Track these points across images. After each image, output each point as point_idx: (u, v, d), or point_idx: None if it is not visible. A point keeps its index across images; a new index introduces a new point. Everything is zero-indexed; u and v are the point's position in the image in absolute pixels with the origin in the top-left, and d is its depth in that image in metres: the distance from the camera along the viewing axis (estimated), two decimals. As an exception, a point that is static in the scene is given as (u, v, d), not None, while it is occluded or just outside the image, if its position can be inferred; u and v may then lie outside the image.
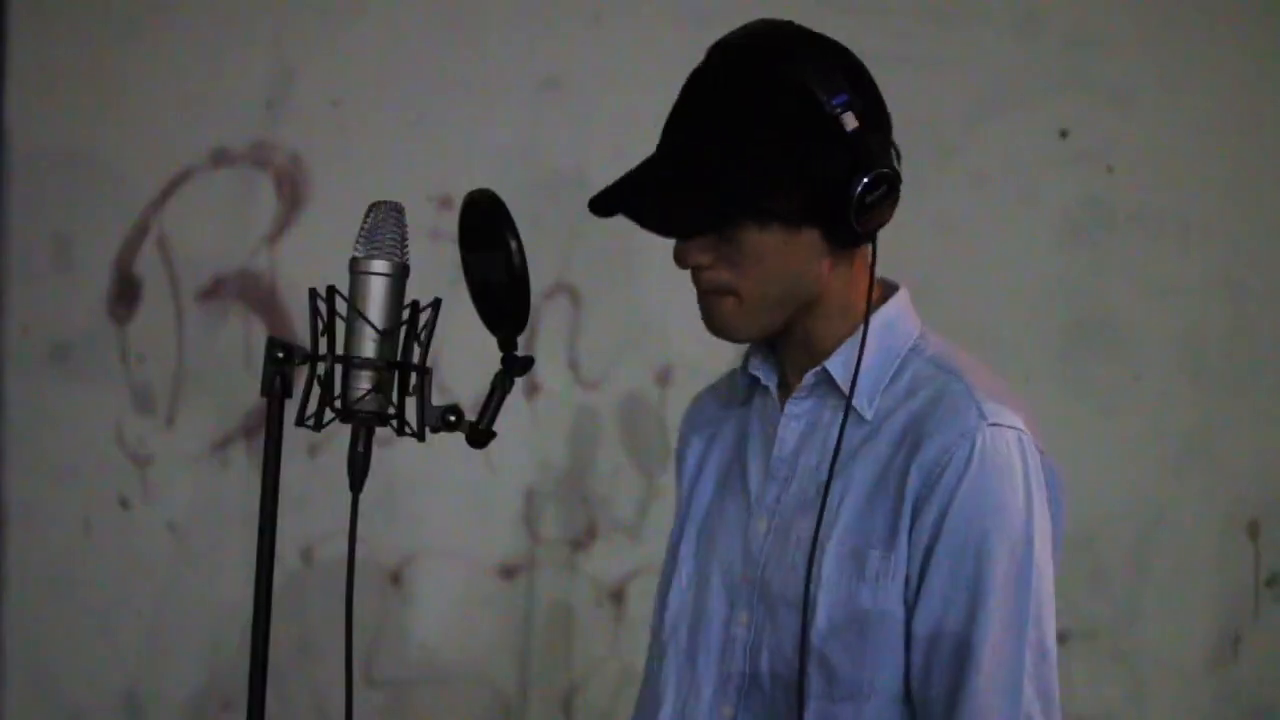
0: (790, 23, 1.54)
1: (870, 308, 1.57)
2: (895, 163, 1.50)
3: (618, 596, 2.67)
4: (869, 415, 1.55)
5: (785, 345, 1.61)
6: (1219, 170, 2.71)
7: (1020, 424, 1.51)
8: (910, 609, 1.52)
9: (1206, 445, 2.70)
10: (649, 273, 2.52)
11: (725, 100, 1.49)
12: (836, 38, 1.54)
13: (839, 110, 1.45)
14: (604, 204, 1.52)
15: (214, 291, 2.66)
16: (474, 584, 2.67)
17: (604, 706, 2.66)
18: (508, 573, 2.67)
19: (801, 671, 1.54)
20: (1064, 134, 2.68)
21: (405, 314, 1.38)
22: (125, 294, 2.67)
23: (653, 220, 1.52)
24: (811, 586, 1.54)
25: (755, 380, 1.67)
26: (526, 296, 1.42)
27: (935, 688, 1.50)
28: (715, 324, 1.55)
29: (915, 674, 1.52)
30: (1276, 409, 2.73)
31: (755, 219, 1.48)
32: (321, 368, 1.37)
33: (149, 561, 2.67)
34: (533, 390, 2.64)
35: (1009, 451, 1.50)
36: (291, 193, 2.67)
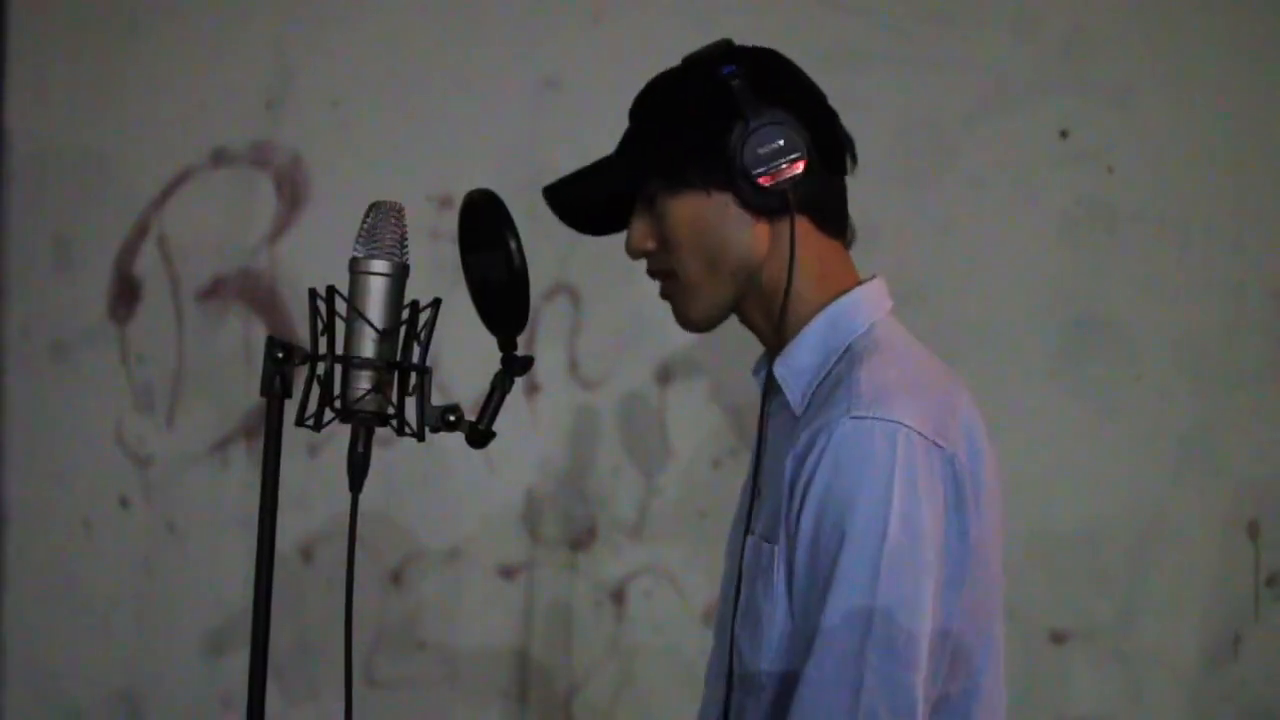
0: (727, 40, 1.61)
1: (790, 288, 1.58)
2: (816, 138, 1.55)
3: (618, 596, 2.67)
4: (799, 413, 1.57)
5: (758, 336, 1.65)
6: (1219, 170, 2.70)
7: (901, 416, 1.48)
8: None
9: (1206, 445, 2.70)
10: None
11: (649, 93, 1.61)
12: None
13: (728, 76, 1.53)
14: (563, 204, 1.61)
15: (214, 291, 2.66)
16: (474, 584, 2.67)
17: (604, 706, 2.66)
18: (508, 573, 2.67)
19: (730, 663, 1.57)
20: (1064, 134, 2.68)
21: (405, 314, 1.38)
22: (125, 294, 2.67)
23: (575, 201, 1.62)
24: (741, 580, 1.57)
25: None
26: (526, 296, 1.42)
27: (797, 665, 1.51)
28: (675, 314, 1.61)
29: (793, 643, 1.52)
30: (1276, 409, 2.73)
31: (665, 185, 1.54)
32: (321, 368, 1.37)
33: (149, 561, 2.67)
34: (533, 390, 2.64)
35: (869, 443, 1.48)
36: (291, 193, 2.67)
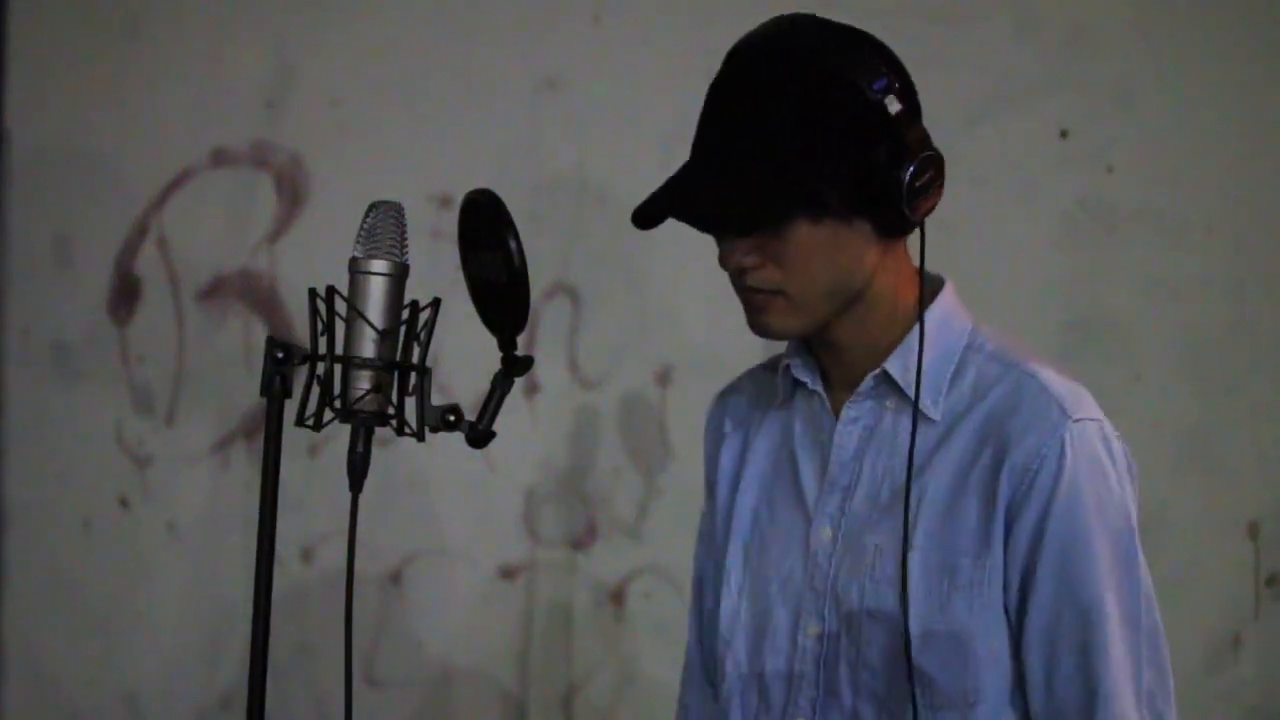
0: (809, 16, 1.52)
1: (923, 301, 1.55)
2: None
3: (618, 596, 2.67)
4: (936, 416, 1.52)
5: (829, 345, 1.57)
6: (1219, 170, 2.70)
7: (1099, 413, 1.51)
8: (1017, 616, 1.50)
9: (1206, 445, 2.70)
10: (649, 273, 2.52)
11: (765, 98, 1.47)
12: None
13: (880, 96, 1.45)
14: (650, 212, 1.50)
15: (214, 291, 2.66)
16: (474, 584, 2.67)
17: (604, 706, 2.65)
18: (508, 573, 2.67)
19: (911, 683, 1.51)
20: (1064, 134, 2.67)
21: (405, 314, 1.38)
22: (125, 294, 2.67)
23: (706, 220, 1.51)
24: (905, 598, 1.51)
25: (797, 382, 1.62)
26: (526, 296, 1.42)
27: (1061, 698, 1.50)
28: (763, 323, 1.52)
29: (1034, 684, 1.50)
30: (1276, 409, 2.72)
31: (809, 214, 1.45)
32: (321, 368, 1.37)
33: (149, 561, 2.67)
34: (532, 390, 2.63)
35: (1095, 445, 1.49)
36: (291, 193, 2.67)
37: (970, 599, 1.49)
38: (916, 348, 1.52)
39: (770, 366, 1.71)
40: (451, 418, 1.41)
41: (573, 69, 2.63)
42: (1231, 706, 2.72)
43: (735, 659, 1.65)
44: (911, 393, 1.52)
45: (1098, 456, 1.48)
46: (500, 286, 1.42)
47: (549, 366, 2.64)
